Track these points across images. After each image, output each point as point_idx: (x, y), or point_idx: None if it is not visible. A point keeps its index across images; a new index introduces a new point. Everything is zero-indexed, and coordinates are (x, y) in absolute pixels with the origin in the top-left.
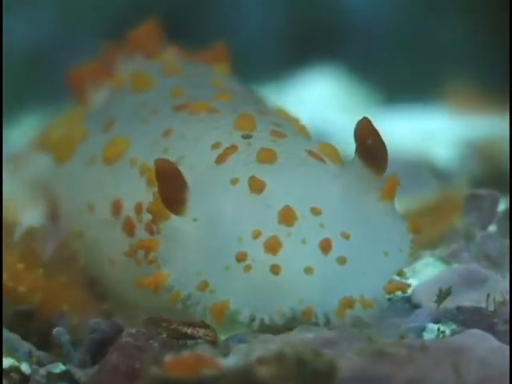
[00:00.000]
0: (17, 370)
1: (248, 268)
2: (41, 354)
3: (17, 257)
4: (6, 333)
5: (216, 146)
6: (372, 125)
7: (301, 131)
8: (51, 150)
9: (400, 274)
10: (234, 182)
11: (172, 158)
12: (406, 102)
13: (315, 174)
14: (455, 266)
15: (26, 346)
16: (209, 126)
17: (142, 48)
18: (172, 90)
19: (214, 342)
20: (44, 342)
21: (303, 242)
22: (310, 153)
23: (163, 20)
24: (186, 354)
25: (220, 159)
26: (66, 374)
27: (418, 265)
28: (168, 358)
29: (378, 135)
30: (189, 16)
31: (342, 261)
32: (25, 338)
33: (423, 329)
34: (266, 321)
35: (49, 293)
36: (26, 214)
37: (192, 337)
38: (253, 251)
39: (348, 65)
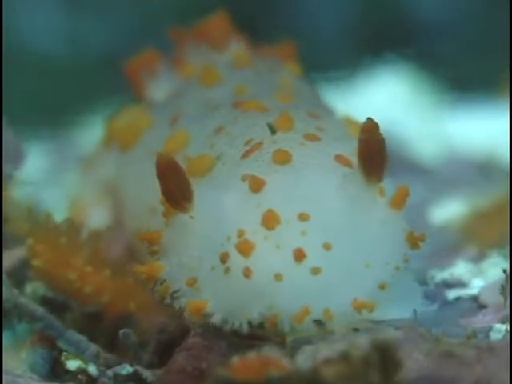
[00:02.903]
0: (84, 371)
1: (227, 270)
2: (108, 355)
3: (84, 258)
4: (73, 334)
5: (248, 142)
6: (375, 127)
7: (356, 134)
8: (116, 139)
9: (382, 287)
10: (244, 178)
11: (214, 154)
12: (474, 101)
13: (322, 179)
14: None
15: (93, 347)
16: (249, 124)
17: (210, 39)
18: (237, 87)
19: (280, 343)
20: (111, 343)
21: (277, 247)
22: (338, 158)
23: (233, 14)
24: (252, 355)
25: (245, 155)
26: (133, 376)
27: (485, 264)
28: (235, 359)
29: (379, 139)
30: (256, 12)
31: (315, 271)
32: (92, 339)
33: (490, 329)
34: (237, 326)
35: (116, 294)
36: (94, 215)
37: (260, 338)
38: (232, 252)
39: (416, 64)
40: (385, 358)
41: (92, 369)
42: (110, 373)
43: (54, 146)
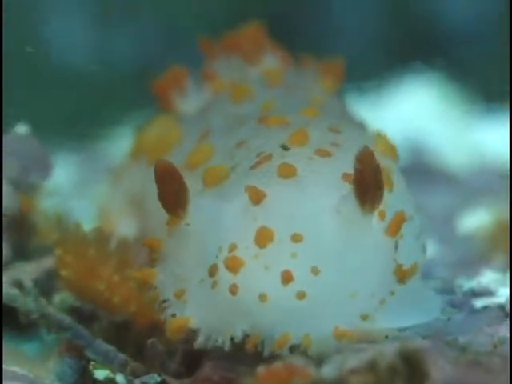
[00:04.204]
0: (112, 381)
1: (214, 284)
2: (136, 364)
3: (112, 268)
4: (101, 344)
5: (259, 154)
6: (370, 156)
7: (385, 151)
8: (146, 152)
9: (364, 317)
10: (246, 189)
11: (231, 165)
12: (502, 111)
13: (323, 197)
14: None
15: (121, 356)
16: (265, 138)
17: (242, 52)
18: (265, 102)
19: (307, 352)
20: (139, 352)
21: (266, 267)
22: (345, 176)
23: (266, 24)
24: (278, 364)
25: (253, 166)
26: None
27: None
28: (260, 369)
29: (374, 169)
30: (290, 21)
31: (300, 295)
32: (120, 348)
33: None
34: (220, 343)
35: (143, 304)
36: (122, 225)
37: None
38: (221, 266)
39: (445, 73)
40: (411, 368)
41: (120, 378)
42: (137, 382)
43: (83, 157)
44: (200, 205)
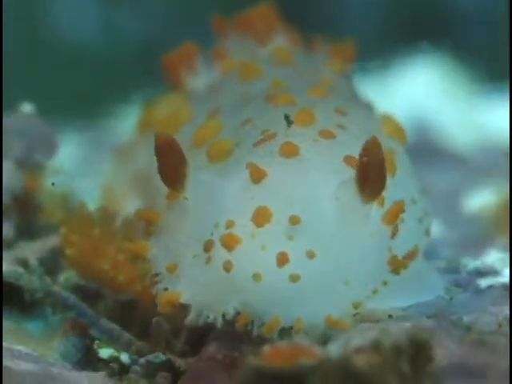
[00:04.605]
0: (116, 359)
1: (208, 260)
2: (141, 343)
3: (117, 247)
4: (106, 322)
5: (264, 132)
6: (376, 148)
7: (392, 133)
8: (155, 129)
9: (356, 306)
10: (248, 166)
11: (235, 141)
12: (509, 91)
13: (323, 180)
14: None
15: (125, 335)
16: (272, 117)
17: (254, 32)
18: (273, 82)
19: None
20: (144, 331)
21: (262, 247)
22: (347, 159)
23: (277, 4)
24: (284, 343)
25: (257, 143)
26: (165, 364)
27: None
28: (266, 348)
29: (379, 161)
30: (300, 1)
31: (294, 278)
32: (125, 327)
33: None
34: (211, 319)
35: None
36: (127, 205)
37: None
38: (216, 243)
39: (452, 53)
40: (416, 347)
41: (124, 357)
42: (142, 361)
43: (90, 135)
44: (199, 179)
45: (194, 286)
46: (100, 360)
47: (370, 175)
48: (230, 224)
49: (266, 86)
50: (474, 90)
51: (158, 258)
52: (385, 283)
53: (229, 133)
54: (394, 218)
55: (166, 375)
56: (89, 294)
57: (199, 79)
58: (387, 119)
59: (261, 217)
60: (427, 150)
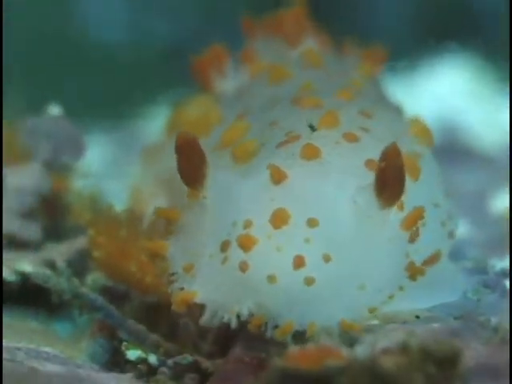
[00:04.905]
0: (144, 361)
1: (224, 260)
2: (168, 345)
3: (144, 248)
4: (133, 324)
5: (288, 134)
6: (395, 154)
7: (419, 135)
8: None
9: (371, 311)
10: (269, 167)
11: (260, 142)
12: None
13: (342, 185)
14: None
15: (153, 337)
16: (297, 119)
17: (284, 34)
18: (302, 84)
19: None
20: (172, 333)
21: (278, 249)
22: (368, 162)
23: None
24: (310, 345)
25: (280, 145)
26: (193, 366)
27: None
28: (293, 349)
29: (398, 167)
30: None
31: (309, 281)
32: (152, 329)
33: None
34: (226, 320)
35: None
36: (154, 206)
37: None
38: (233, 243)
39: (480, 53)
40: (443, 348)
41: (152, 358)
42: (170, 362)
43: (117, 137)
44: (219, 179)
45: (209, 286)
46: (128, 361)
47: (388, 181)
48: (247, 224)
49: (294, 88)
50: (501, 90)
51: (175, 257)
52: (401, 288)
53: (255, 134)
54: (412, 223)
55: (193, 376)
56: (116, 296)
57: (228, 82)
58: (415, 121)
59: (279, 218)
60: (454, 150)
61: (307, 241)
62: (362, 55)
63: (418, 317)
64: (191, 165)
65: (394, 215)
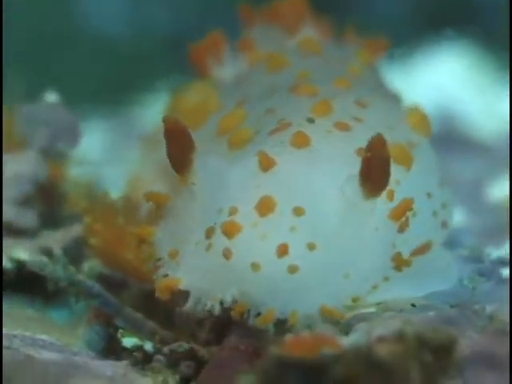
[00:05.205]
0: (140, 348)
1: (209, 246)
2: (165, 333)
3: (141, 236)
4: (130, 311)
5: (280, 121)
6: (381, 145)
7: (416, 124)
8: (184, 118)
9: (355, 300)
10: (257, 154)
11: (254, 130)
12: None
13: (330, 173)
14: None
15: (149, 324)
16: (292, 106)
17: (282, 22)
18: (300, 72)
19: (335, 321)
20: (168, 321)
21: (263, 237)
22: (360, 151)
23: None
24: (306, 333)
25: (271, 132)
26: (188, 353)
27: None
28: (288, 337)
29: (383, 158)
30: None
31: (292, 269)
32: (149, 316)
33: None
34: (208, 307)
35: None
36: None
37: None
38: (217, 230)
39: (478, 41)
40: (439, 336)
41: (148, 346)
42: (165, 350)
43: (115, 123)
44: (208, 165)
45: (193, 273)
46: (124, 349)
47: (373, 171)
48: (233, 211)
49: (292, 76)
50: (500, 79)
51: (162, 242)
52: (386, 279)
53: (252, 122)
54: (401, 214)
55: (189, 364)
56: (113, 283)
57: (225, 69)
58: (413, 110)
59: (264, 206)
60: (452, 138)
61: (292, 229)
62: (362, 44)
63: (413, 305)
64: (179, 150)
65: (384, 205)
